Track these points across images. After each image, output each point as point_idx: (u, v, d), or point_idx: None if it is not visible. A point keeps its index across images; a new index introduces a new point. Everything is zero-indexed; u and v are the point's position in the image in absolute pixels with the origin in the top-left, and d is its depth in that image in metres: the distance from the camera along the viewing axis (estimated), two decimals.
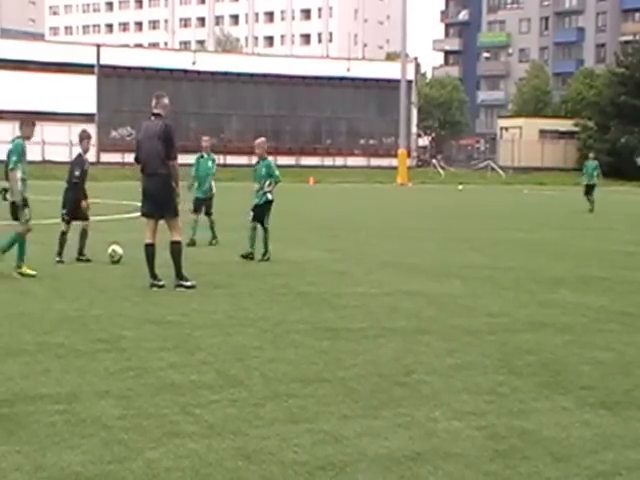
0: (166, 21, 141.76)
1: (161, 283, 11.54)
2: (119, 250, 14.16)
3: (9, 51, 68.16)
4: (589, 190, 31.98)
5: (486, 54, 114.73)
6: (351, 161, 77.17)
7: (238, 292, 11.43)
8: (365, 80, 79.30)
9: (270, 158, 15.82)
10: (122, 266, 13.67)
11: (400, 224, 24.16)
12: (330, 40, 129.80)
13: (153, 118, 11.73)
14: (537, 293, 11.99)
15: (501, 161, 76.19)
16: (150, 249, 11.71)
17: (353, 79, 79.21)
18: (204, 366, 7.39)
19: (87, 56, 71.00)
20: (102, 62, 71.47)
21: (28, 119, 13.19)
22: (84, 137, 14.60)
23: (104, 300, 10.54)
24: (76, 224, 14.51)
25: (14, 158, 12.29)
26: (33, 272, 12.36)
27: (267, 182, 15.32)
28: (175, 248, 11.74)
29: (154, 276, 11.64)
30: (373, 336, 8.80)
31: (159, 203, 11.64)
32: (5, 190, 12.49)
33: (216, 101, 74.72)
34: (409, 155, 65.41)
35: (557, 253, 17.42)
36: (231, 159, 69.46)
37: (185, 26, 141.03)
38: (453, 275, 13.58)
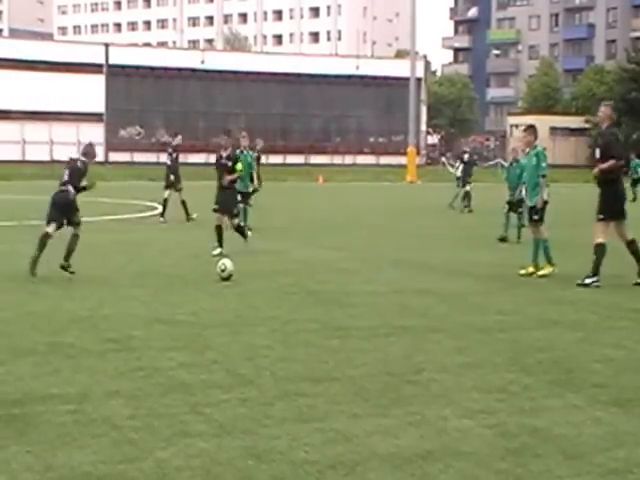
0: (174, 20, 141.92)
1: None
2: (229, 265, 12.26)
3: (18, 51, 68.37)
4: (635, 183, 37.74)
5: (496, 51, 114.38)
6: (360, 159, 77.13)
7: (247, 291, 11.42)
8: (374, 78, 79.25)
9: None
10: (131, 265, 13.67)
11: (409, 222, 24.11)
12: (339, 38, 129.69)
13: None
14: (548, 290, 11.95)
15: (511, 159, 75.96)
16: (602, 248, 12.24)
17: (362, 77, 79.16)
18: (214, 365, 7.38)
19: (95, 55, 71.13)
20: (110, 61, 71.61)
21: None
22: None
23: (113, 300, 10.54)
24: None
25: None
26: None
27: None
28: (598, 250, 12.27)
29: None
30: (383, 334, 8.78)
31: None
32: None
33: (224, 100, 74.71)
34: (418, 153, 65.29)
35: (568, 250, 17.34)
36: None
37: (193, 25, 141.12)
38: (463, 273, 13.55)
